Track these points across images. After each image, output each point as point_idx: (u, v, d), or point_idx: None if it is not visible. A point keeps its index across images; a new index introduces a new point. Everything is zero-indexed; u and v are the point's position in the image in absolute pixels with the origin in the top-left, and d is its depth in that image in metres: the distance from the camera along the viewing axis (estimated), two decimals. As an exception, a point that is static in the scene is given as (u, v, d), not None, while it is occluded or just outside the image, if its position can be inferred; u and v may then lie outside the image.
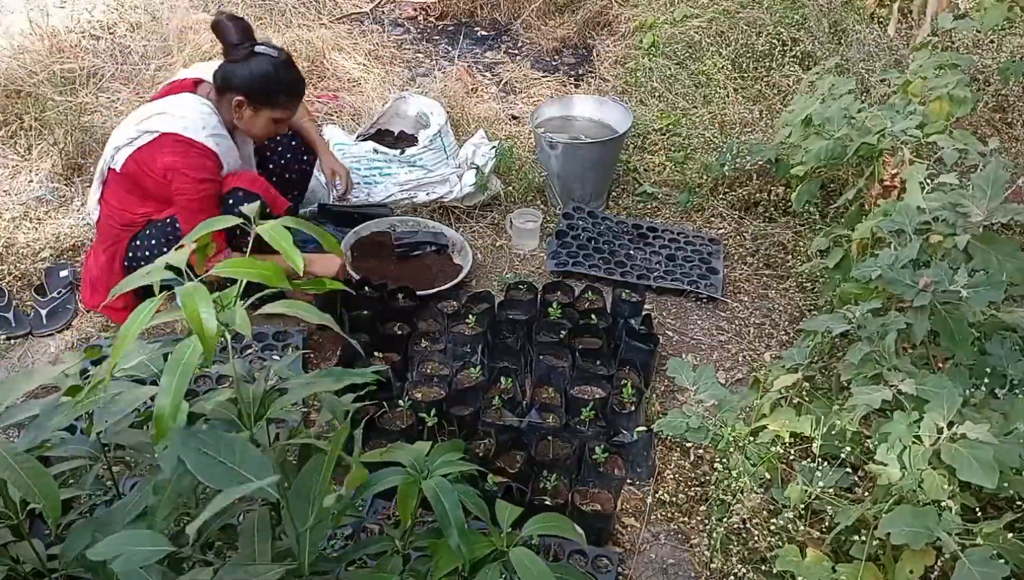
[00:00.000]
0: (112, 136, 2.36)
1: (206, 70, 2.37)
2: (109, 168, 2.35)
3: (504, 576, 1.22)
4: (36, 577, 1.18)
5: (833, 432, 1.82)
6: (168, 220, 2.35)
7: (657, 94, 3.80)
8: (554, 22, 4.60)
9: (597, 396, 2.28)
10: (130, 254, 2.42)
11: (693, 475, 2.15)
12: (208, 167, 2.26)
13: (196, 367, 0.95)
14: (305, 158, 2.75)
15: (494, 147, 3.18)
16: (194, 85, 2.35)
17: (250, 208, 1.06)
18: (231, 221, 1.06)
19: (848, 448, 1.78)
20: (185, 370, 0.95)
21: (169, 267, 0.99)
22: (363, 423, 1.23)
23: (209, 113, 2.28)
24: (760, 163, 3.13)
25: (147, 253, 2.38)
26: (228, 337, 1.00)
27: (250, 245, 1.07)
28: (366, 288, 2.61)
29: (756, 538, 1.80)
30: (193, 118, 2.25)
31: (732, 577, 1.83)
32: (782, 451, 1.86)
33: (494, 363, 2.38)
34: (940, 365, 1.88)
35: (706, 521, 2.02)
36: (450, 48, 4.42)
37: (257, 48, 2.22)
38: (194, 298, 0.93)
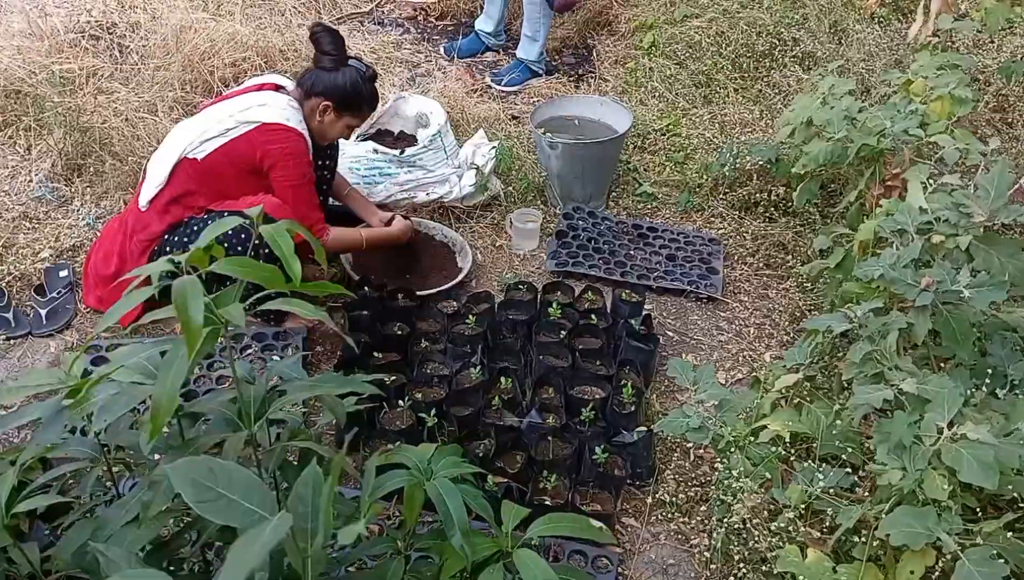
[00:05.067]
0: (189, 128, 2.40)
1: (280, 79, 2.54)
2: (183, 158, 2.36)
3: (507, 578, 1.22)
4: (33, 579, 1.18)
5: (834, 432, 1.81)
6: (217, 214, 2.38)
7: (657, 94, 3.80)
8: (554, 22, 4.60)
9: (597, 396, 2.28)
10: (168, 241, 2.42)
11: (693, 475, 2.15)
12: (307, 153, 2.44)
13: (197, 363, 0.95)
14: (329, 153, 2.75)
15: (494, 147, 3.18)
16: (275, 88, 2.49)
17: (252, 211, 1.06)
18: (233, 221, 1.06)
19: (849, 448, 1.78)
20: (181, 364, 0.94)
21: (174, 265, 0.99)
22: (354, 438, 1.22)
23: (298, 111, 2.45)
24: (760, 163, 3.13)
25: (186, 242, 2.38)
26: (224, 335, 0.99)
27: (250, 246, 1.07)
28: (366, 288, 2.61)
29: (756, 538, 1.80)
30: (291, 113, 2.41)
31: (732, 577, 1.83)
32: (783, 451, 1.86)
33: (494, 363, 2.38)
34: (941, 365, 1.88)
35: (706, 521, 2.02)
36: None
37: (350, 61, 2.44)
38: (186, 292, 0.93)
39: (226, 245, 2.29)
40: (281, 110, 2.39)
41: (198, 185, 2.39)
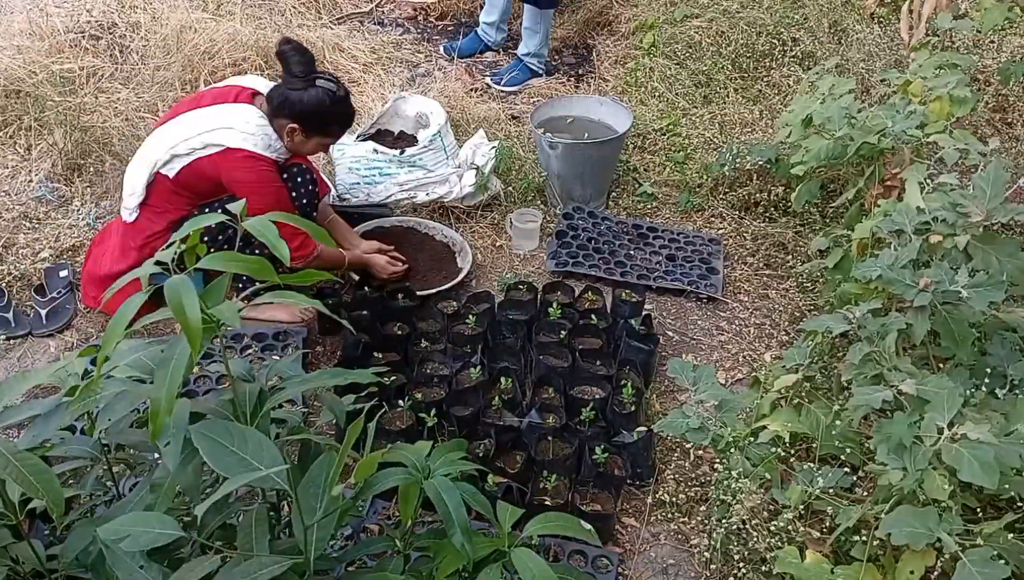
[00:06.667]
0: (162, 140, 2.34)
1: (260, 83, 2.46)
2: (157, 172, 2.34)
3: (505, 576, 1.22)
4: (36, 577, 1.18)
5: (833, 432, 1.81)
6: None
7: (657, 94, 3.80)
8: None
9: (597, 396, 2.28)
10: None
11: (693, 475, 2.15)
12: (275, 179, 2.40)
13: (193, 363, 0.95)
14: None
15: (494, 147, 3.18)
16: (252, 97, 2.41)
17: (235, 206, 1.07)
18: (213, 218, 1.07)
19: (848, 448, 1.78)
20: (178, 364, 0.95)
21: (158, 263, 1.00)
22: (375, 418, 1.23)
23: (270, 129, 2.37)
24: (760, 163, 3.13)
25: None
26: (220, 333, 1.00)
27: (237, 240, 1.08)
28: (366, 288, 2.61)
29: (756, 539, 1.80)
30: (260, 136, 2.34)
31: (732, 578, 1.83)
32: (782, 452, 1.86)
33: (494, 363, 2.38)
34: (940, 365, 1.88)
35: (706, 521, 2.02)
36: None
37: (318, 81, 2.32)
38: (179, 293, 0.93)
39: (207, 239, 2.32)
40: (247, 135, 2.31)
41: (176, 196, 2.38)
